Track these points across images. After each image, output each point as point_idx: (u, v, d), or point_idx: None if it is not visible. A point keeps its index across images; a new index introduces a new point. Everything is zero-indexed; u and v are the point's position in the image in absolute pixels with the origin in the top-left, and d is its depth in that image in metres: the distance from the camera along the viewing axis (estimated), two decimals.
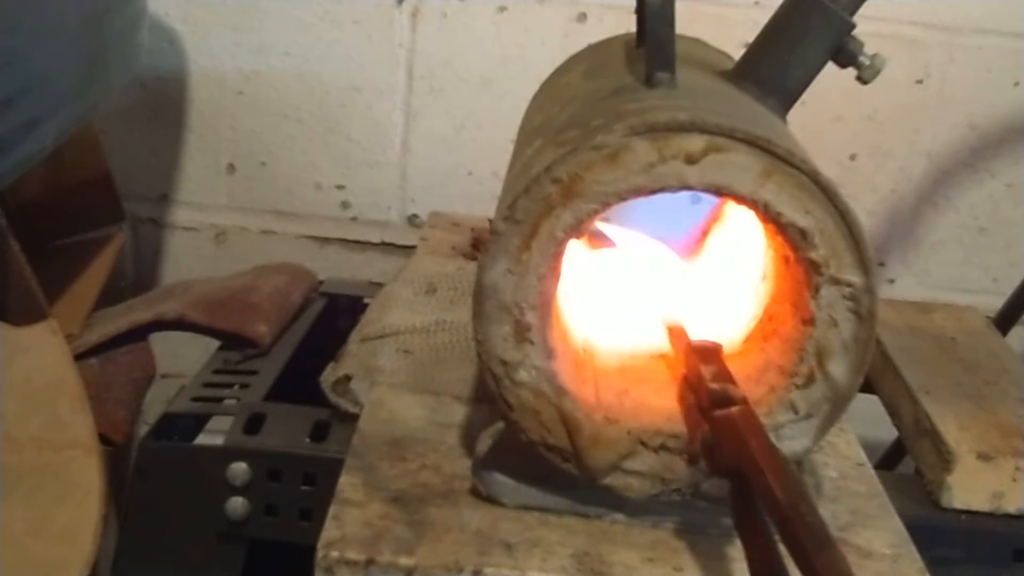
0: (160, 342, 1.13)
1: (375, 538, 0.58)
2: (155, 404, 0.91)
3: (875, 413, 0.86)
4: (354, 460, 0.65)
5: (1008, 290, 1.07)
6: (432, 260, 0.94)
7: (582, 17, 1.10)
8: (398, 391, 0.74)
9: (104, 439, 0.80)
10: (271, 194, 1.17)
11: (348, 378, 0.76)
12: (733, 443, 0.53)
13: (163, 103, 1.15)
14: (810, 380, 0.59)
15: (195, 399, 0.79)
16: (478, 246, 0.98)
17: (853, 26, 0.66)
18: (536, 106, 0.75)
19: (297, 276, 0.96)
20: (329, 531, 0.58)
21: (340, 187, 1.17)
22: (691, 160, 0.55)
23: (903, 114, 1.14)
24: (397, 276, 0.89)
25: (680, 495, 0.61)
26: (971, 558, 0.72)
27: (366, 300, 0.92)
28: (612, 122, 0.56)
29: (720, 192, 0.56)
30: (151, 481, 0.73)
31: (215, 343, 0.89)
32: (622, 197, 0.56)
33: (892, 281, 1.18)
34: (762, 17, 0.67)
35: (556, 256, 0.58)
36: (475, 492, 0.62)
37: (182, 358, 1.01)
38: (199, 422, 0.75)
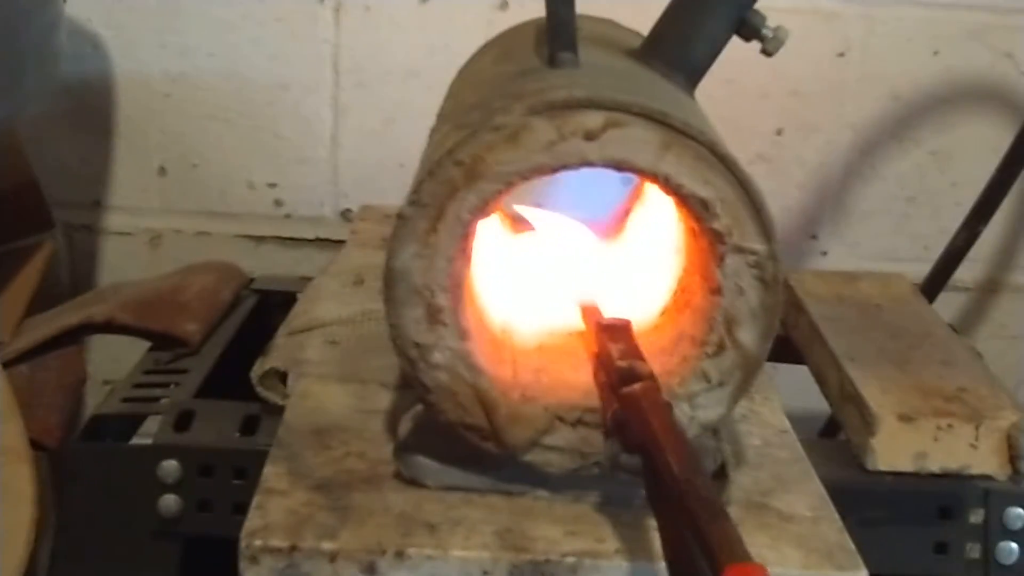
0: (101, 348, 1.13)
1: (298, 525, 0.58)
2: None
3: (811, 384, 0.87)
4: (279, 450, 0.65)
5: (937, 257, 1.09)
6: (361, 252, 0.94)
7: (504, 5, 1.11)
8: (325, 381, 0.74)
9: (37, 445, 0.80)
10: (204, 195, 1.17)
11: (276, 371, 0.76)
12: (637, 419, 0.54)
13: (90, 109, 1.14)
14: (721, 348, 0.60)
15: (125, 399, 0.79)
16: None
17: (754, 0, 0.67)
18: (449, 93, 0.76)
19: (226, 274, 0.96)
20: (253, 520, 0.59)
21: (272, 185, 1.17)
22: (590, 137, 0.56)
23: (827, 88, 1.15)
24: (325, 269, 0.89)
25: (600, 469, 0.61)
26: (897, 517, 0.74)
27: (298, 295, 0.92)
28: (512, 103, 0.57)
29: (620, 167, 0.57)
30: (82, 483, 0.73)
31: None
32: (524, 177, 0.57)
33: (825, 253, 1.20)
34: None
35: (464, 238, 0.58)
36: (399, 476, 0.63)
37: (125, 364, 1.01)
38: (129, 422, 0.75)
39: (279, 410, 0.73)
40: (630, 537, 0.60)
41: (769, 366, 0.70)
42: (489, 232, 0.69)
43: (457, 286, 0.59)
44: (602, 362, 0.60)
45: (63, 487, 0.74)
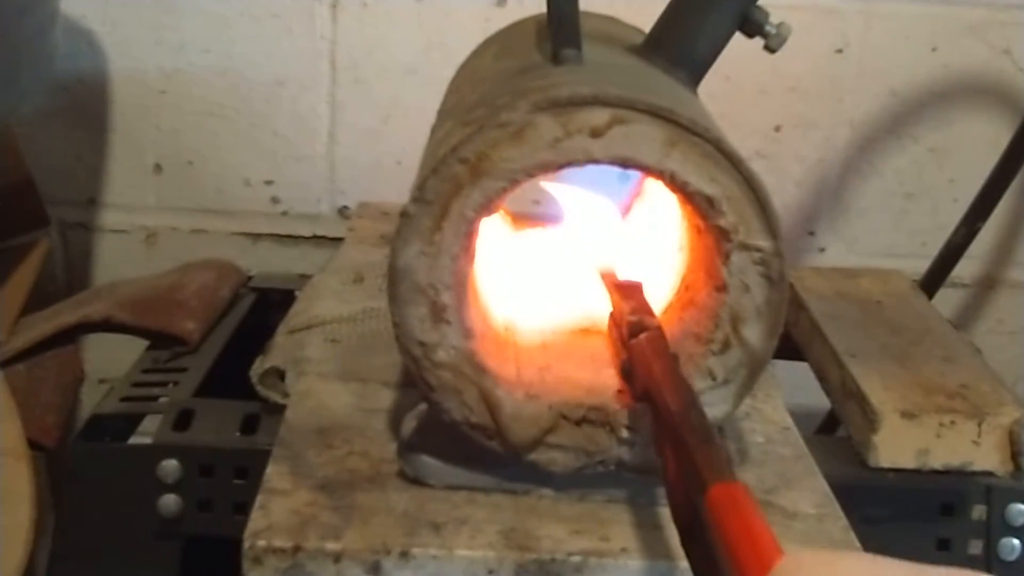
0: (98, 347, 1.12)
1: (302, 525, 0.58)
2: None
3: (810, 381, 0.87)
4: (281, 450, 0.65)
5: (936, 253, 1.09)
6: (360, 250, 0.94)
7: (502, 2, 1.10)
8: (326, 380, 0.74)
9: (35, 444, 0.79)
10: (200, 193, 1.16)
11: (276, 370, 0.76)
12: (642, 366, 0.56)
13: (86, 106, 1.14)
14: (726, 346, 0.60)
15: (124, 399, 0.78)
16: None
17: None
18: (450, 89, 0.76)
19: (224, 272, 0.96)
20: (256, 521, 0.58)
21: (269, 182, 1.16)
22: (596, 134, 0.56)
23: (825, 84, 1.15)
24: (325, 267, 0.89)
25: (605, 467, 0.61)
26: (900, 515, 0.74)
27: (296, 293, 0.92)
28: (516, 100, 0.56)
29: (626, 164, 0.57)
30: (82, 483, 0.73)
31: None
32: (529, 174, 0.56)
33: (823, 250, 1.20)
34: None
35: (468, 236, 0.58)
36: (402, 475, 0.63)
37: (121, 363, 1.01)
38: (128, 421, 0.75)
39: (279, 409, 0.73)
40: (636, 536, 0.59)
41: (770, 363, 0.70)
42: (492, 229, 0.68)
43: (461, 284, 0.59)
44: (615, 318, 0.62)
45: (62, 487, 0.74)
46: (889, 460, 0.74)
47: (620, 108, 0.56)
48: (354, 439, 0.67)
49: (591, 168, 0.59)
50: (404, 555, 0.57)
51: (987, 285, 1.20)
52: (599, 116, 0.56)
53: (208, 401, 0.78)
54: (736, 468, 0.65)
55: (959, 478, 0.74)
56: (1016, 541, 0.74)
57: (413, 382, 0.61)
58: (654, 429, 0.54)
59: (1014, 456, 0.74)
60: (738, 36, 0.67)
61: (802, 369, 0.89)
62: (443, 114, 0.69)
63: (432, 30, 1.11)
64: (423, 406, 0.62)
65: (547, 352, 0.66)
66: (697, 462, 0.45)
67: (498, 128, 0.56)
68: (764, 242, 0.58)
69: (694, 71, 0.68)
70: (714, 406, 0.61)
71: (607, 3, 0.78)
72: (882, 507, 0.73)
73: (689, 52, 0.67)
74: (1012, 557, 0.74)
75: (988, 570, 0.74)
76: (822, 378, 0.85)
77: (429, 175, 0.56)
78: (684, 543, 0.45)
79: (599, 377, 0.63)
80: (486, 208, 0.57)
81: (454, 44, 1.09)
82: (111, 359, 1.02)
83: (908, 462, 0.74)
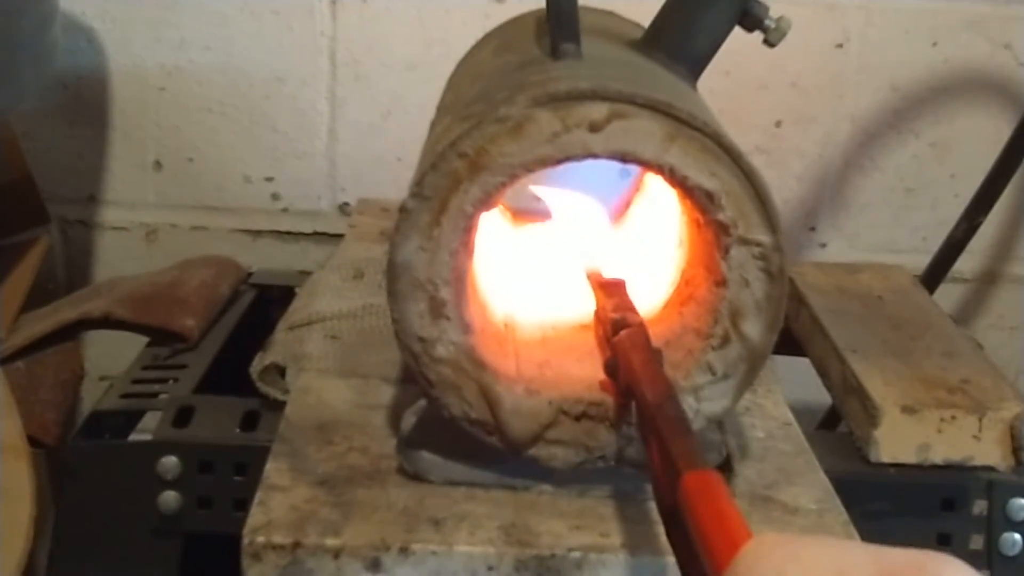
0: (98, 344, 1.12)
1: (301, 521, 0.58)
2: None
3: (811, 376, 0.87)
4: (281, 446, 0.65)
5: (936, 248, 1.08)
6: (360, 246, 0.94)
7: None
8: (326, 376, 0.74)
9: (35, 442, 0.79)
10: (200, 189, 1.16)
11: (276, 366, 0.75)
12: (624, 361, 0.56)
13: (85, 103, 1.14)
14: (725, 341, 0.60)
15: (123, 396, 0.78)
16: None
17: None
18: (449, 85, 0.76)
19: (224, 268, 0.96)
20: (255, 517, 0.58)
21: (269, 179, 1.16)
22: (595, 128, 0.56)
23: (826, 79, 1.15)
24: (325, 263, 0.89)
25: (605, 462, 0.61)
26: (901, 510, 0.73)
27: (296, 289, 0.92)
28: (515, 94, 0.56)
29: (625, 158, 0.57)
30: (81, 480, 0.73)
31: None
32: (528, 168, 0.56)
33: (824, 245, 1.19)
34: None
35: (467, 231, 0.58)
36: (402, 471, 0.63)
37: (121, 360, 1.01)
38: (128, 419, 0.75)
39: (279, 405, 0.73)
40: (635, 531, 0.59)
41: (769, 358, 0.70)
42: (491, 225, 0.68)
43: (460, 280, 0.58)
44: (599, 316, 0.62)
45: (61, 484, 0.74)
46: (890, 455, 0.74)
47: (619, 103, 0.56)
48: (354, 435, 0.66)
49: (592, 164, 0.59)
50: (404, 551, 0.57)
51: (988, 280, 1.20)
52: (598, 110, 0.56)
53: (208, 398, 0.78)
54: (737, 464, 0.65)
55: (960, 473, 0.74)
56: (1017, 536, 0.74)
57: (413, 378, 0.61)
58: (638, 422, 0.55)
59: (1015, 451, 0.73)
60: (738, 31, 0.67)
61: (803, 365, 0.89)
62: (442, 109, 0.69)
63: (432, 26, 1.11)
64: (423, 402, 0.62)
65: (547, 347, 0.66)
66: (672, 452, 0.46)
67: (497, 123, 0.56)
68: (764, 237, 0.58)
69: (693, 66, 0.68)
70: (714, 401, 0.61)
71: None
72: (883, 502, 0.73)
73: (688, 47, 0.67)
74: (1013, 552, 0.74)
75: (989, 565, 0.74)
76: (823, 373, 0.85)
77: (428, 170, 0.56)
78: (667, 531, 0.46)
79: (599, 373, 0.63)
80: (485, 203, 0.57)
81: (454, 40, 1.09)
82: (112, 356, 1.02)
83: (909, 457, 0.74)
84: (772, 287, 0.59)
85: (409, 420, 0.63)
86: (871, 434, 0.74)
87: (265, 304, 0.97)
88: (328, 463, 0.63)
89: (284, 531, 0.57)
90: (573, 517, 0.60)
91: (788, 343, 0.90)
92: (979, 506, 0.74)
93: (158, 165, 1.16)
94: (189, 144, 1.15)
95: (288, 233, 1.18)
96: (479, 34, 0.82)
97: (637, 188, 0.77)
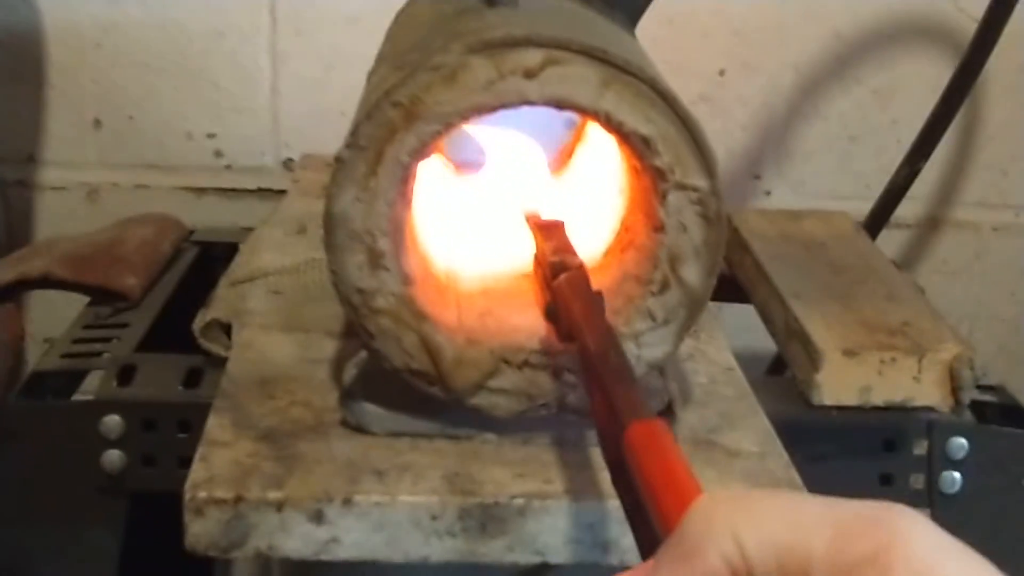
0: (41, 305, 1.11)
1: (243, 475, 0.58)
2: None
3: (756, 323, 0.88)
4: (222, 401, 0.65)
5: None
6: (303, 201, 0.93)
7: None
8: (268, 331, 0.73)
9: None
10: (141, 147, 1.14)
11: (219, 323, 0.75)
12: (564, 307, 0.56)
13: (21, 61, 1.12)
14: (665, 286, 0.60)
15: (64, 355, 0.78)
16: None
17: None
18: (388, 35, 0.75)
19: (165, 226, 0.95)
20: (197, 472, 0.58)
21: (211, 136, 1.15)
22: (529, 75, 0.55)
23: (769, 27, 1.15)
24: (267, 219, 0.88)
25: (547, 410, 0.61)
26: (844, 451, 0.74)
27: (240, 246, 0.91)
28: (450, 42, 0.56)
29: (561, 105, 0.56)
30: (23, 441, 0.72)
31: None
32: (464, 117, 0.56)
33: (768, 193, 1.20)
34: None
35: (404, 181, 0.57)
36: (345, 423, 0.62)
37: (65, 321, 0.99)
38: (70, 378, 0.74)
39: (222, 362, 0.72)
40: (579, 478, 0.60)
41: (714, 305, 0.70)
42: (433, 176, 0.68)
43: (398, 230, 0.58)
44: (539, 259, 0.61)
45: (2, 446, 0.73)
46: (832, 398, 0.74)
47: (553, 49, 0.55)
48: (296, 389, 0.66)
49: (536, 116, 0.59)
50: (347, 502, 0.57)
51: (931, 226, 1.21)
52: (532, 57, 0.55)
53: (150, 356, 0.77)
54: (679, 409, 0.65)
55: (901, 414, 0.74)
56: (957, 474, 0.75)
57: (354, 330, 0.60)
58: (581, 371, 0.55)
59: (954, 391, 0.74)
60: None
61: (748, 311, 0.89)
62: (379, 59, 0.69)
63: None
64: (364, 354, 0.62)
65: (488, 297, 0.66)
66: (616, 402, 0.45)
67: (431, 71, 0.55)
68: (700, 181, 0.58)
69: (631, 12, 0.68)
70: (655, 347, 0.61)
71: None
72: (826, 444, 0.74)
73: None
74: (953, 490, 0.75)
75: (930, 503, 0.75)
76: (767, 319, 0.86)
77: (363, 120, 0.56)
78: (613, 480, 0.45)
79: (540, 322, 0.63)
80: (421, 152, 0.57)
81: None
82: (56, 318, 1.01)
83: (851, 399, 0.74)
84: (710, 232, 0.59)
85: (351, 372, 0.63)
86: (813, 377, 0.74)
87: (208, 261, 0.96)
88: (270, 417, 0.63)
89: (226, 486, 0.57)
90: (516, 465, 0.60)
91: (733, 290, 0.91)
92: (920, 446, 0.75)
93: (98, 123, 1.14)
94: (129, 101, 1.13)
95: (232, 190, 1.16)
96: None
97: (579, 138, 0.77)
